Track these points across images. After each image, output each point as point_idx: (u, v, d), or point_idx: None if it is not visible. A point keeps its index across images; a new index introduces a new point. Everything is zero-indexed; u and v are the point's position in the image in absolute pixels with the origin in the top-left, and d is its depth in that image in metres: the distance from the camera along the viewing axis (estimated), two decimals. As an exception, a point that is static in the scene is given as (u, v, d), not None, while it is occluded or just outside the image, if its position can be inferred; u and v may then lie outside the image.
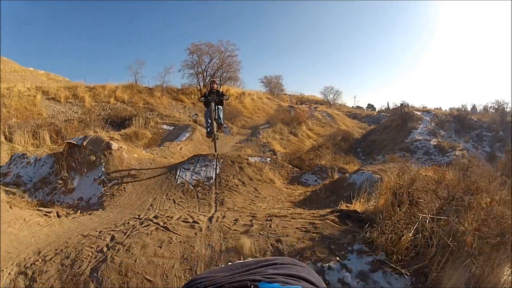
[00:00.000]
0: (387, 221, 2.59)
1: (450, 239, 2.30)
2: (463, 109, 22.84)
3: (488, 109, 22.73)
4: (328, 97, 35.40)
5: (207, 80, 23.30)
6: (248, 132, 16.67)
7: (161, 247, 2.88)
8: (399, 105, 22.52)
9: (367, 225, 2.74)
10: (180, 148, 10.18)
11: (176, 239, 2.98)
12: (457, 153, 12.35)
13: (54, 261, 2.81)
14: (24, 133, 12.13)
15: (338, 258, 2.51)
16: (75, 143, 5.43)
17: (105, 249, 2.92)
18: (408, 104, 22.88)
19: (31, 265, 2.81)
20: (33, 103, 17.52)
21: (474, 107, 24.26)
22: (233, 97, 23.89)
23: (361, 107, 37.68)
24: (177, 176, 4.99)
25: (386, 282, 2.29)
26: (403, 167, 3.25)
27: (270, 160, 6.41)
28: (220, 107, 6.88)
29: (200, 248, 2.85)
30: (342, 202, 3.63)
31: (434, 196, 2.68)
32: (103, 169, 5.07)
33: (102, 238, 3.15)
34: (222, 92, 7.12)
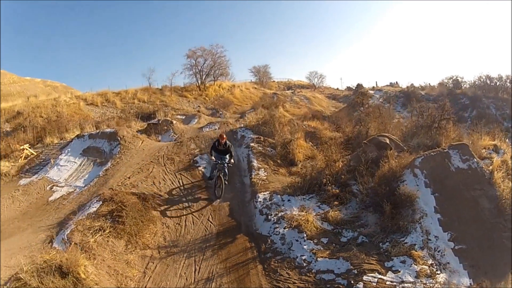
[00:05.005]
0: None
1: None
2: (411, 86, 27.74)
3: (445, 84, 26.57)
4: (313, 81, 38.59)
5: (203, 78, 29.53)
6: (237, 116, 23.12)
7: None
8: (356, 86, 29.41)
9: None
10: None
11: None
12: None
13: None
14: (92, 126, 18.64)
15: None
16: (155, 122, 12.13)
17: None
18: (362, 84, 29.66)
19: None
20: (79, 108, 23.63)
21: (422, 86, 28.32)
22: (225, 90, 30.25)
23: (352, 88, 35.35)
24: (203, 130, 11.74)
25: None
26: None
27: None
28: (226, 163, 7.15)
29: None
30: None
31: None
32: (171, 132, 11.73)
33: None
34: (229, 145, 7.44)
